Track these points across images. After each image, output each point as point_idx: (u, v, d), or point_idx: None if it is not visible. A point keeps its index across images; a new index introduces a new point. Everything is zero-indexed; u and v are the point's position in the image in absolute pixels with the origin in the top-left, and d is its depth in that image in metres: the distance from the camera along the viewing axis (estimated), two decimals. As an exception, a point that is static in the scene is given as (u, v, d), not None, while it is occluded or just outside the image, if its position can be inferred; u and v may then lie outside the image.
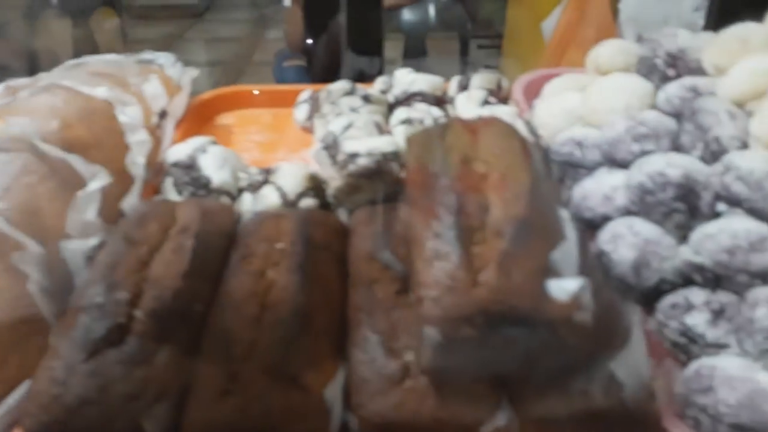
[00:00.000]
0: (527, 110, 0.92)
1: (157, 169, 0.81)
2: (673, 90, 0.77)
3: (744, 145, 0.68)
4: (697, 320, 0.58)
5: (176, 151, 0.80)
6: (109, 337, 0.53)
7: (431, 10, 2.78)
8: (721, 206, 0.64)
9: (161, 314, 0.54)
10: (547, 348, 0.48)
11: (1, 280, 0.58)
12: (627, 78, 0.82)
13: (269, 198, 0.75)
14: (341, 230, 0.69)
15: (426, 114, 0.91)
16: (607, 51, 0.89)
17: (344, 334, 0.58)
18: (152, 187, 0.80)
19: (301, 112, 1.02)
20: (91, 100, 0.78)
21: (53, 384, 0.51)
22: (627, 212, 0.69)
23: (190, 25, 4.20)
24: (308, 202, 0.76)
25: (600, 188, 0.72)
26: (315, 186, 0.77)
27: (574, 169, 0.78)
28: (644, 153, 0.71)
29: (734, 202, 0.63)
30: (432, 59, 2.86)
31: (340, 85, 0.96)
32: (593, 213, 0.71)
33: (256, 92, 1.12)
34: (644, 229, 0.65)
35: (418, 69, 1.04)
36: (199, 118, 1.03)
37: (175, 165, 0.79)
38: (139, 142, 0.78)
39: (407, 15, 2.70)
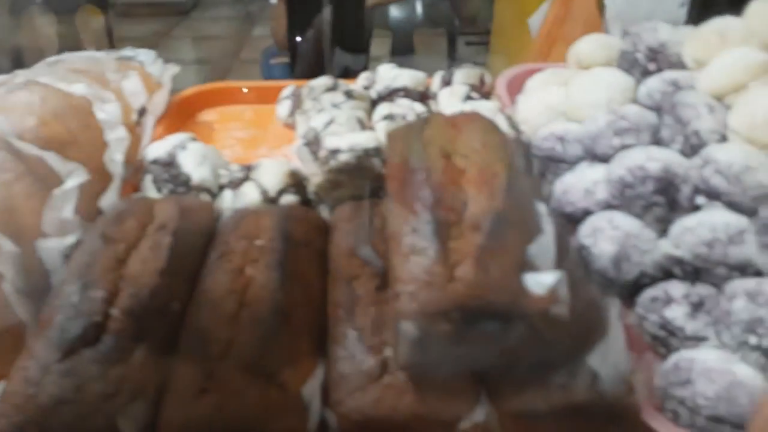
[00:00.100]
0: (510, 105, 0.92)
1: (136, 167, 0.80)
2: (654, 84, 0.77)
3: (723, 138, 0.68)
4: (676, 313, 0.58)
5: (155, 149, 0.79)
6: (85, 337, 0.52)
7: (418, 7, 2.78)
8: (700, 199, 0.64)
9: (138, 312, 0.54)
10: (524, 342, 0.48)
11: (-26, 280, 0.57)
12: (608, 72, 0.82)
13: (250, 195, 0.75)
14: (322, 226, 0.69)
15: (409, 110, 0.90)
16: (588, 46, 0.89)
17: (324, 331, 0.57)
18: (132, 185, 0.79)
19: (283, 108, 1.01)
20: (69, 97, 0.77)
21: (27, 384, 0.50)
22: (608, 206, 0.69)
23: (176, 23, 4.17)
24: (289, 199, 0.75)
25: (581, 183, 0.72)
26: (296, 182, 0.77)
27: (555, 163, 0.78)
28: (625, 147, 0.71)
29: (713, 195, 0.63)
30: (420, 56, 2.85)
31: (322, 81, 0.96)
32: (574, 207, 0.71)
33: (242, 89, 1.11)
34: (624, 222, 0.65)
35: (406, 66, 1.03)
36: (180, 115, 1.02)
37: (155, 162, 0.78)
38: (117, 139, 0.77)
39: (395, 12, 2.70)
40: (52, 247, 0.64)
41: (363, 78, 1.03)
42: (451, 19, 2.92)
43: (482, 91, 0.99)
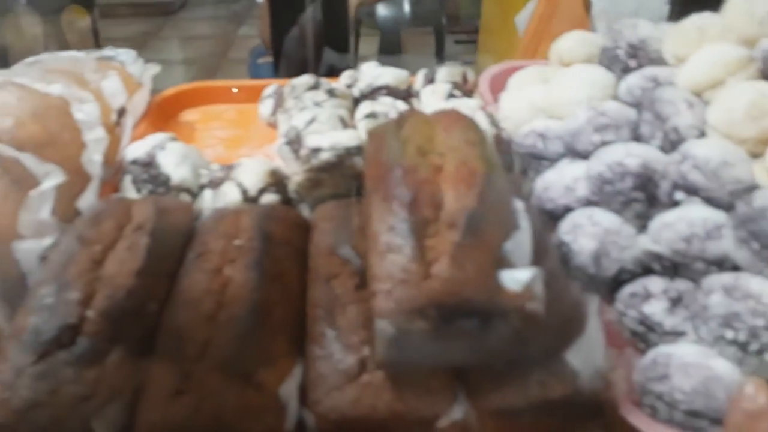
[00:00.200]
0: (493, 103, 0.92)
1: (116, 167, 0.80)
2: (634, 80, 0.77)
3: (702, 134, 0.69)
4: (655, 308, 0.58)
5: (135, 149, 0.78)
6: (60, 339, 0.51)
7: (406, 6, 2.77)
8: (679, 195, 0.64)
9: (114, 314, 0.53)
10: (501, 339, 0.48)
11: (-52, 283, 0.56)
12: (589, 69, 0.82)
13: (230, 194, 0.74)
14: (303, 225, 0.69)
15: (391, 108, 0.90)
16: (569, 43, 0.90)
17: (303, 331, 0.57)
18: (111, 186, 0.79)
19: (265, 107, 1.01)
20: (46, 98, 0.76)
21: (1, 388, 0.49)
22: (588, 203, 0.69)
23: (164, 23, 4.15)
24: (270, 198, 0.75)
25: (561, 179, 0.72)
26: (277, 181, 0.76)
27: (537, 161, 0.78)
28: (605, 143, 0.72)
29: (691, 190, 0.63)
30: (408, 55, 2.85)
31: (304, 79, 0.95)
32: (555, 204, 0.71)
33: (229, 89, 1.10)
34: (604, 219, 0.65)
35: (394, 65, 1.03)
36: (162, 115, 1.02)
37: (134, 162, 0.77)
38: (96, 139, 0.76)
39: (382, 11, 2.69)
40: (28, 248, 0.64)
41: (346, 76, 1.02)
42: (439, 17, 2.91)
43: (465, 88, 0.98)
